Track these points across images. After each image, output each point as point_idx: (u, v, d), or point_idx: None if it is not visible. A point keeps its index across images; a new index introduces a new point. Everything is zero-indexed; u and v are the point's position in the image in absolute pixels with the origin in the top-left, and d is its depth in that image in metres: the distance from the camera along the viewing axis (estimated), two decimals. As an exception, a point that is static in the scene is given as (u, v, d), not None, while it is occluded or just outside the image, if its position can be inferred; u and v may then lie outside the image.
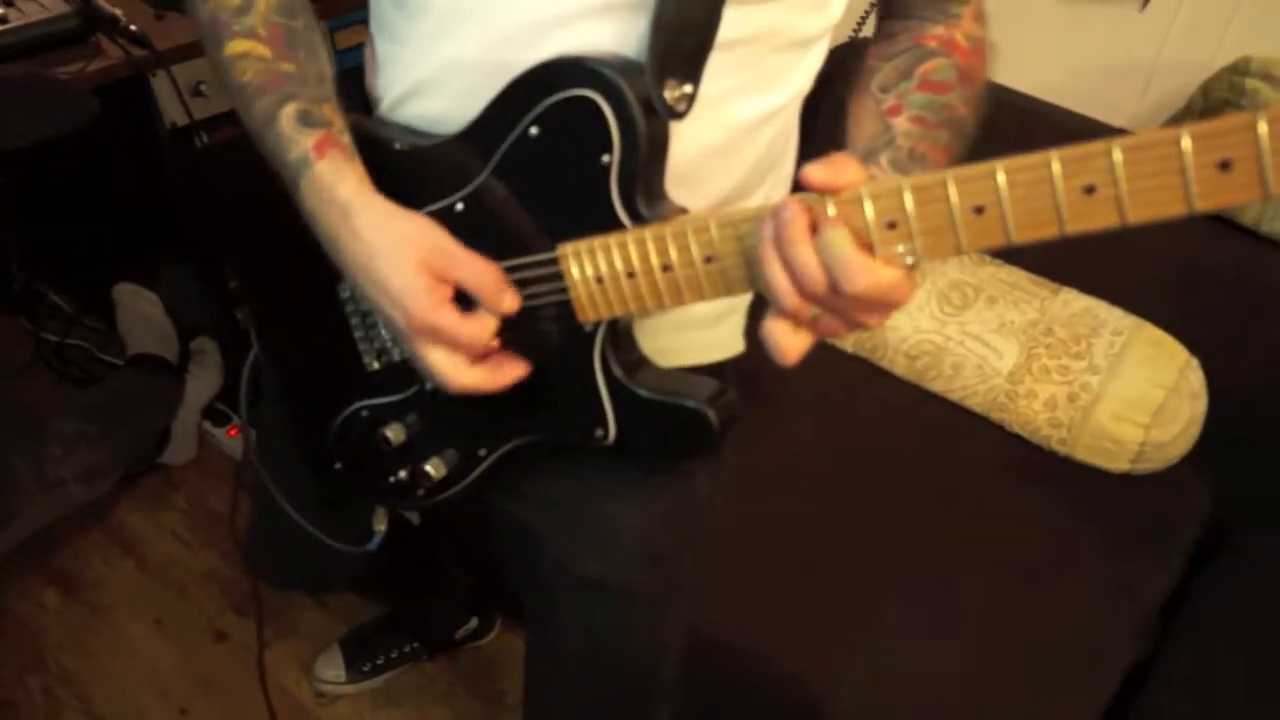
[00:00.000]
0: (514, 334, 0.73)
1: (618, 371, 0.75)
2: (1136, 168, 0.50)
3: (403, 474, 0.87)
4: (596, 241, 0.69)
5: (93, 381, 2.11)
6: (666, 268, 0.67)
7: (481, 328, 0.70)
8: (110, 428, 1.80)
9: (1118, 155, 0.50)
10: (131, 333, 2.05)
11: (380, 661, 1.67)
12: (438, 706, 1.68)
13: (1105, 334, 1.51)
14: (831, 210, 0.58)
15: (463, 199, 0.73)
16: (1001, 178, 0.54)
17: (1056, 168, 0.52)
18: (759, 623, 1.31)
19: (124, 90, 1.58)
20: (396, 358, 0.84)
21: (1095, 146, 0.51)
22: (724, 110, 0.73)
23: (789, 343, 0.63)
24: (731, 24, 0.67)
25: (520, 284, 0.72)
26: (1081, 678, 1.29)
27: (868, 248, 0.58)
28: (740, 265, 0.65)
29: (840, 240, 0.58)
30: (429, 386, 0.83)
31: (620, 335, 0.75)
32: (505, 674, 1.73)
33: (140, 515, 1.95)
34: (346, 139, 0.73)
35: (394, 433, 0.84)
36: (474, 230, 0.71)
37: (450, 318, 0.69)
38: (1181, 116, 1.52)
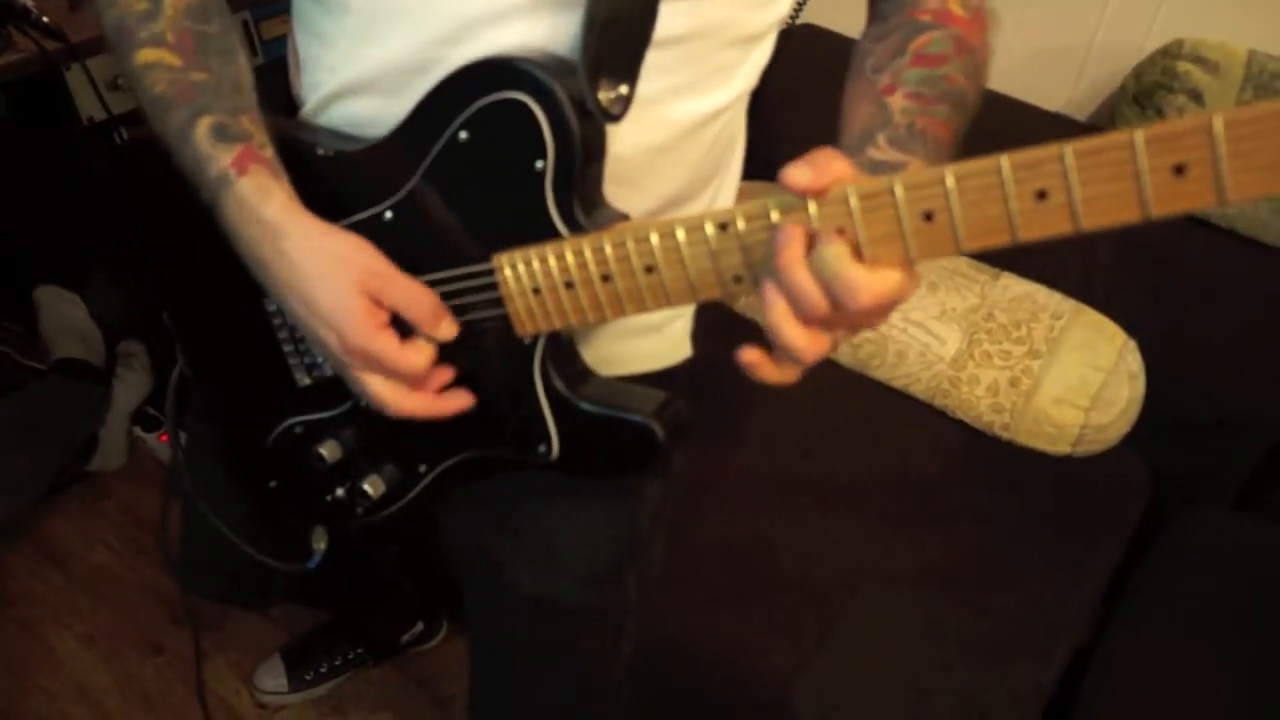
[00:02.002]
0: (451, 347, 0.70)
1: (559, 385, 0.72)
2: (1089, 172, 0.48)
3: (340, 492, 0.84)
4: (533, 251, 0.66)
5: (14, 388, 2.02)
6: (606, 278, 0.64)
7: (419, 355, 0.67)
8: (33, 437, 1.74)
9: (1070, 159, 0.49)
10: (55, 337, 1.97)
11: (323, 669, 1.63)
12: (384, 713, 1.65)
13: (1045, 318, 1.52)
14: (815, 219, 0.55)
15: (391, 207, 0.70)
16: (951, 181, 0.52)
17: (1008, 171, 0.50)
18: (707, 621, 1.29)
19: (37, 85, 1.51)
20: (329, 372, 0.80)
21: (1047, 150, 0.49)
22: (665, 110, 0.70)
23: (775, 375, 0.60)
24: (672, 21, 0.64)
25: (454, 295, 0.69)
26: (1029, 660, 1.30)
27: (858, 255, 0.55)
28: (683, 276, 0.62)
29: (837, 256, 0.54)
30: (364, 402, 0.80)
31: (561, 347, 0.73)
32: (453, 678, 1.69)
33: (69, 525, 1.88)
34: (269, 152, 0.68)
35: (329, 450, 0.80)
36: (404, 240, 0.68)
37: (389, 344, 0.66)
38: (1115, 101, 1.52)
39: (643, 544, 0.92)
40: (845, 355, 1.61)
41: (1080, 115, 1.65)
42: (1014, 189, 0.50)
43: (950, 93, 0.69)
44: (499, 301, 0.69)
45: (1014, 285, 1.56)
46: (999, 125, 1.65)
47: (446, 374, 0.71)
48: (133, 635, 1.72)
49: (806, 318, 0.57)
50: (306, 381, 0.82)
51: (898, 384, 1.58)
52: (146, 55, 0.69)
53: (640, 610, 0.97)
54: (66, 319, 1.99)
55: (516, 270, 0.67)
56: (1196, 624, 1.35)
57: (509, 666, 0.97)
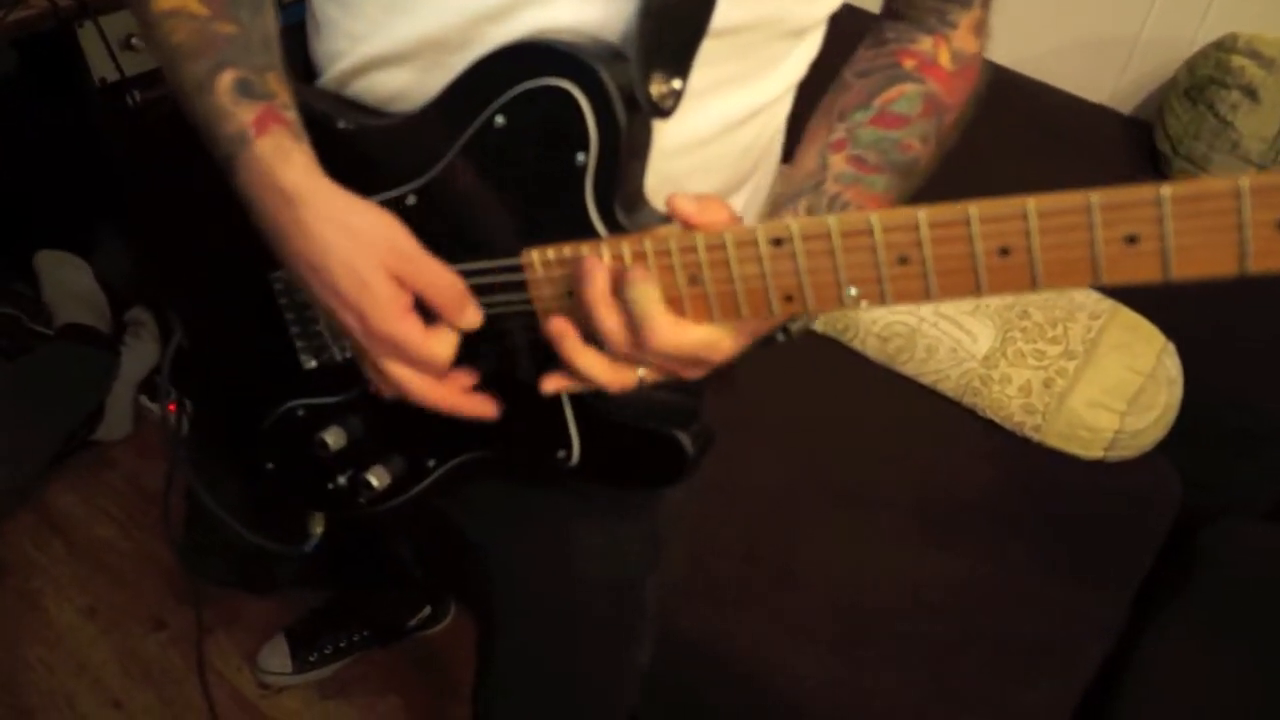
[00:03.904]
0: (472, 341, 0.66)
1: (585, 392, 0.68)
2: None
3: (342, 480, 0.80)
4: (567, 249, 0.61)
5: (21, 352, 1.98)
6: None
7: (443, 344, 0.62)
8: (39, 405, 1.70)
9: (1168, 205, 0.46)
10: (59, 302, 1.93)
11: (328, 651, 1.60)
12: (389, 697, 1.61)
13: (1082, 318, 1.47)
14: (880, 244, 0.52)
15: (415, 191, 0.65)
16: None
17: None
18: (724, 623, 1.26)
19: (48, 43, 1.46)
20: (338, 357, 0.76)
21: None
22: (710, 104, 0.66)
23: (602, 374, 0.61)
24: (728, 11, 0.59)
25: (477, 290, 0.65)
26: (1055, 668, 1.26)
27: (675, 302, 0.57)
28: (729, 292, 0.57)
29: (645, 295, 0.56)
30: (373, 389, 0.76)
31: None
32: (460, 662, 1.66)
33: (72, 495, 1.84)
34: (292, 114, 0.63)
35: (333, 437, 0.76)
36: (426, 227, 0.63)
37: (413, 331, 0.61)
38: (1165, 93, 1.47)
39: (662, 549, 0.88)
40: (872, 348, 1.57)
41: (1125, 108, 1.59)
42: (1102, 232, 0.48)
43: (898, 162, 0.68)
44: (526, 300, 0.64)
45: (1050, 282, 1.51)
46: (1042, 115, 1.61)
47: (472, 376, 0.67)
48: (135, 609, 1.69)
49: (610, 352, 0.58)
50: (312, 364, 0.78)
51: (926, 380, 1.54)
52: (169, 1, 0.64)
53: (657, 617, 0.93)
54: (71, 285, 1.95)
55: (548, 267, 0.62)
56: (1229, 636, 1.31)
57: (519, 668, 0.93)
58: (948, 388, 1.52)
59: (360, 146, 0.66)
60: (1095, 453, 1.46)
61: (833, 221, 0.53)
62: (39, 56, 1.44)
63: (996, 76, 1.58)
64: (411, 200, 0.65)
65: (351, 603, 1.62)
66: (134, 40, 1.54)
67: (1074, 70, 1.60)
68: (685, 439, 0.67)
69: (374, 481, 0.76)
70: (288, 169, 0.60)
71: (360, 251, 0.60)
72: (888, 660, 1.24)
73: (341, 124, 0.67)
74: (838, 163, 0.67)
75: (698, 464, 0.68)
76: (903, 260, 0.52)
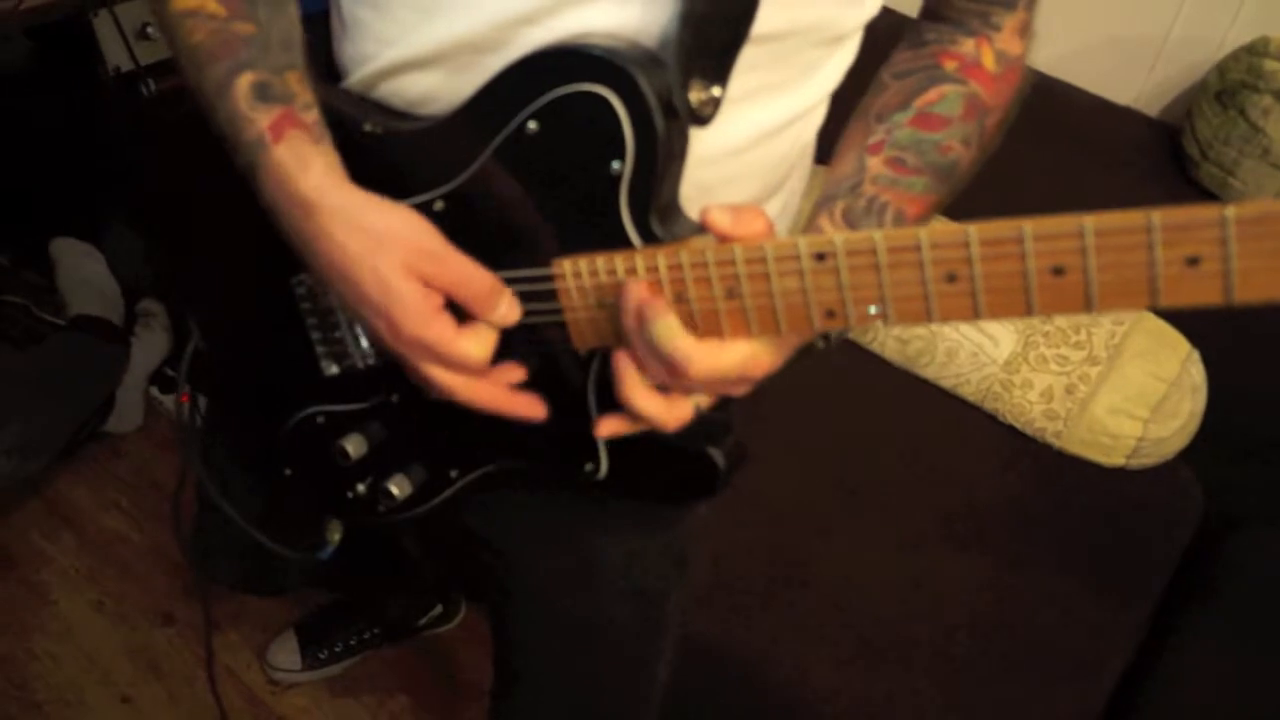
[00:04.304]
0: (501, 349, 0.64)
1: (611, 403, 0.66)
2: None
3: (361, 488, 0.78)
4: (600, 260, 0.59)
5: (31, 342, 1.97)
6: (680, 298, 0.57)
7: (479, 343, 0.60)
8: (49, 396, 1.69)
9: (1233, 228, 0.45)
10: (73, 292, 1.92)
11: (338, 649, 1.59)
12: (399, 696, 1.60)
13: (1106, 323, 1.45)
14: (928, 258, 0.51)
15: (443, 196, 0.63)
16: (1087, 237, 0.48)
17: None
18: (740, 630, 1.24)
19: (63, 32, 1.45)
20: (360, 364, 0.74)
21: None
22: (746, 112, 0.64)
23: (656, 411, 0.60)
24: (770, 16, 0.58)
25: None
26: (1076, 678, 1.25)
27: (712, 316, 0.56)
28: (768, 306, 0.55)
29: (666, 329, 0.55)
30: (395, 398, 0.74)
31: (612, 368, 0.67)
32: (470, 661, 1.65)
33: (82, 487, 1.83)
34: (313, 115, 0.62)
35: (353, 445, 0.74)
36: (454, 235, 0.61)
37: (445, 331, 0.59)
38: (1194, 96, 1.45)
39: (686, 565, 0.87)
40: (892, 351, 1.55)
41: (1151, 110, 1.57)
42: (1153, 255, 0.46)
43: (938, 164, 0.66)
44: (557, 310, 0.63)
45: (1074, 287, 1.49)
46: (1066, 117, 1.58)
47: (516, 371, 0.65)
48: (144, 602, 1.68)
49: (655, 388, 0.58)
50: (334, 370, 0.76)
51: (946, 384, 1.52)
52: (186, 0, 0.62)
53: (679, 633, 0.91)
54: (86, 274, 1.94)
55: (580, 278, 0.61)
56: (1252, 646, 1.29)
57: (538, 683, 0.91)
58: (968, 392, 1.51)
59: (387, 150, 0.65)
60: (1117, 460, 1.44)
61: (878, 237, 0.51)
62: (53, 45, 1.43)
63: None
64: (440, 206, 0.64)
65: (362, 600, 1.61)
66: (149, 29, 1.53)
67: (1099, 71, 1.57)
68: (717, 454, 0.65)
69: (395, 491, 0.74)
70: (305, 175, 0.59)
71: (382, 253, 0.58)
72: (906, 668, 1.23)
73: (368, 127, 0.65)
74: (875, 165, 0.65)
75: (729, 480, 0.66)
76: (951, 278, 0.50)
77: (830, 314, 0.54)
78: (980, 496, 1.42)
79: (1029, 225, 0.48)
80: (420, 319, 0.58)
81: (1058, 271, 0.48)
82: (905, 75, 0.70)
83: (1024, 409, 1.46)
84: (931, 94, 0.68)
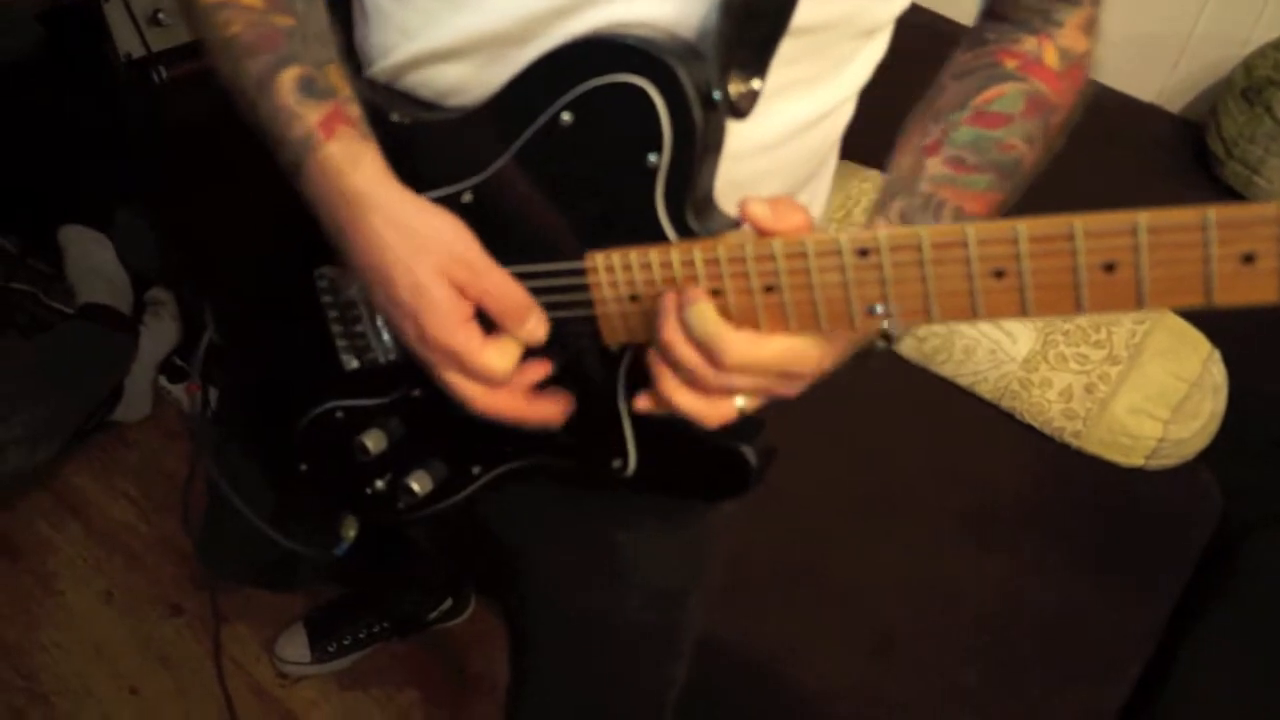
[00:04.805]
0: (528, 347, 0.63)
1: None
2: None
3: (380, 485, 0.77)
4: (633, 254, 0.58)
5: (39, 330, 1.96)
6: (716, 293, 0.56)
7: (502, 357, 0.59)
8: (57, 385, 1.67)
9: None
10: (81, 280, 1.91)
11: (347, 642, 1.58)
12: (408, 690, 1.60)
13: (1127, 323, 1.43)
14: (975, 256, 0.50)
15: (473, 188, 0.62)
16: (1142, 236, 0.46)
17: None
18: (755, 630, 1.23)
19: (74, 18, 1.43)
20: (381, 359, 0.73)
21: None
22: (781, 105, 0.63)
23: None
24: (807, 10, 0.56)
25: (534, 293, 0.62)
26: (1093, 679, 1.24)
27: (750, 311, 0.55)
28: (807, 300, 0.54)
29: (701, 315, 0.54)
30: (417, 393, 0.72)
31: (646, 364, 0.66)
32: (480, 655, 1.64)
33: (90, 476, 1.82)
34: (357, 109, 0.61)
35: (373, 440, 0.73)
36: (483, 227, 0.60)
37: (470, 341, 0.58)
38: (1219, 93, 1.43)
39: (706, 564, 0.85)
40: (908, 348, 1.54)
41: (1173, 107, 1.55)
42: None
43: (1001, 162, 0.64)
44: (588, 304, 0.61)
45: (1094, 285, 1.47)
46: (1088, 113, 1.57)
47: (537, 371, 0.64)
48: (152, 593, 1.67)
49: (693, 384, 0.56)
50: (354, 365, 0.75)
51: (963, 382, 1.51)
52: None
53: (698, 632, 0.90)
54: (94, 262, 1.93)
55: (613, 272, 0.59)
56: (1271, 648, 1.28)
57: (553, 679, 0.91)
58: (985, 390, 1.49)
59: (415, 141, 0.63)
60: (1136, 460, 1.43)
61: (924, 232, 0.50)
62: (65, 31, 1.41)
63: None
64: (468, 198, 0.62)
65: (372, 594, 1.60)
66: (160, 15, 1.51)
67: (1122, 67, 1.55)
68: (749, 451, 0.64)
69: (416, 487, 0.73)
70: (356, 171, 0.58)
71: (421, 255, 0.57)
72: (921, 667, 1.22)
73: (395, 117, 0.64)
74: (934, 165, 0.64)
75: (761, 478, 0.65)
76: (999, 274, 0.49)
77: (871, 311, 0.53)
78: (997, 496, 1.41)
79: (1079, 222, 0.47)
80: (448, 325, 0.58)
81: (1109, 268, 0.47)
82: (964, 75, 0.68)
83: (1042, 408, 1.45)
84: (991, 92, 0.66)
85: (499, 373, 0.59)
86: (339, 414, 0.77)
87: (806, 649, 1.22)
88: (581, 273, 0.60)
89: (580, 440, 0.68)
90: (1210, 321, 1.44)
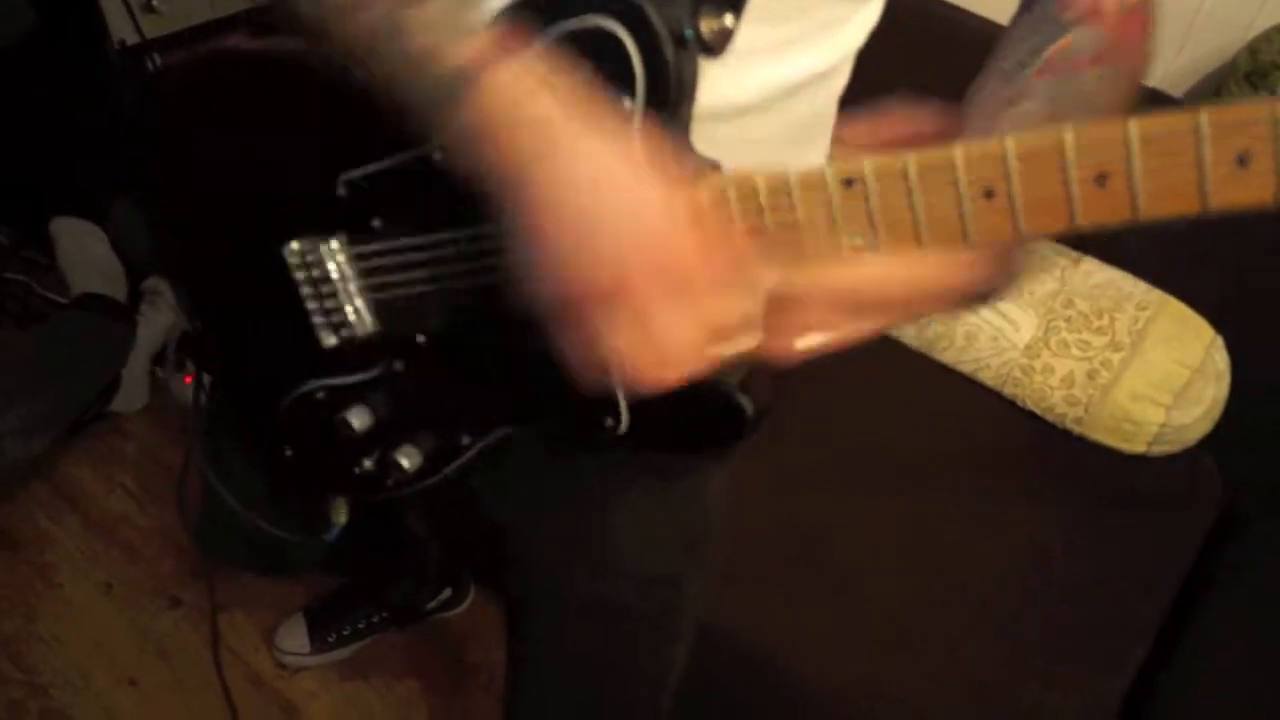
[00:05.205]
0: (504, 308, 0.60)
1: None
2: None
3: (368, 463, 0.76)
4: None
5: (34, 321, 1.95)
6: None
7: (740, 299, 0.53)
8: (53, 376, 1.66)
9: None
10: (75, 270, 1.89)
11: (346, 632, 1.57)
12: (408, 680, 1.59)
13: (1129, 309, 1.42)
14: (963, 179, 0.49)
15: (441, 146, 0.60)
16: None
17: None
18: (756, 614, 1.23)
19: (68, 4, 1.42)
20: (359, 334, 0.71)
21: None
22: (767, 65, 0.61)
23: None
24: None
25: (513, 249, 0.59)
26: (1095, 667, 1.23)
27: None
28: (793, 240, 0.53)
29: None
30: (400, 366, 0.71)
31: None
32: (479, 645, 1.64)
33: (87, 467, 1.81)
34: (509, 31, 0.54)
35: (358, 418, 0.72)
36: (451, 184, 0.57)
37: (722, 276, 0.52)
38: (1222, 77, 1.42)
39: (705, 543, 0.84)
40: (910, 335, 1.53)
41: (1177, 92, 1.54)
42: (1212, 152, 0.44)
43: (1074, 109, 0.62)
44: None
45: (1096, 272, 1.47)
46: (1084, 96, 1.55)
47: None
48: (150, 585, 1.66)
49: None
50: (332, 342, 0.73)
51: (965, 368, 1.50)
52: None
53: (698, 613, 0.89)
54: (88, 252, 1.91)
55: None
56: (1273, 637, 1.28)
57: (550, 668, 0.90)
58: (987, 377, 1.49)
59: (377, 102, 0.59)
60: (1139, 447, 1.42)
61: (910, 158, 0.49)
62: (59, 18, 1.40)
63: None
64: (439, 156, 0.60)
65: (371, 584, 1.59)
66: (155, 3, 1.50)
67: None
68: (745, 400, 0.63)
69: (405, 462, 0.72)
70: (548, 91, 0.51)
71: (651, 173, 0.51)
72: (921, 654, 1.22)
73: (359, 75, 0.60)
74: (1006, 121, 0.62)
75: (758, 423, 0.64)
76: (988, 194, 0.49)
77: (857, 247, 0.52)
78: (999, 483, 1.40)
79: (1069, 135, 0.46)
80: (706, 250, 0.51)
81: (1101, 180, 0.46)
82: (1024, 36, 0.66)
83: (1045, 394, 1.44)
84: (1057, 44, 0.64)
85: (740, 312, 0.53)
86: (320, 394, 0.75)
87: (806, 636, 1.22)
88: None
89: (570, 402, 0.66)
90: (1213, 307, 1.44)
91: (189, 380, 1.91)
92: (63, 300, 1.89)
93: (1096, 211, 0.47)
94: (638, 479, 0.77)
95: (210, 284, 0.79)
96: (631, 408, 0.66)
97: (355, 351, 0.72)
